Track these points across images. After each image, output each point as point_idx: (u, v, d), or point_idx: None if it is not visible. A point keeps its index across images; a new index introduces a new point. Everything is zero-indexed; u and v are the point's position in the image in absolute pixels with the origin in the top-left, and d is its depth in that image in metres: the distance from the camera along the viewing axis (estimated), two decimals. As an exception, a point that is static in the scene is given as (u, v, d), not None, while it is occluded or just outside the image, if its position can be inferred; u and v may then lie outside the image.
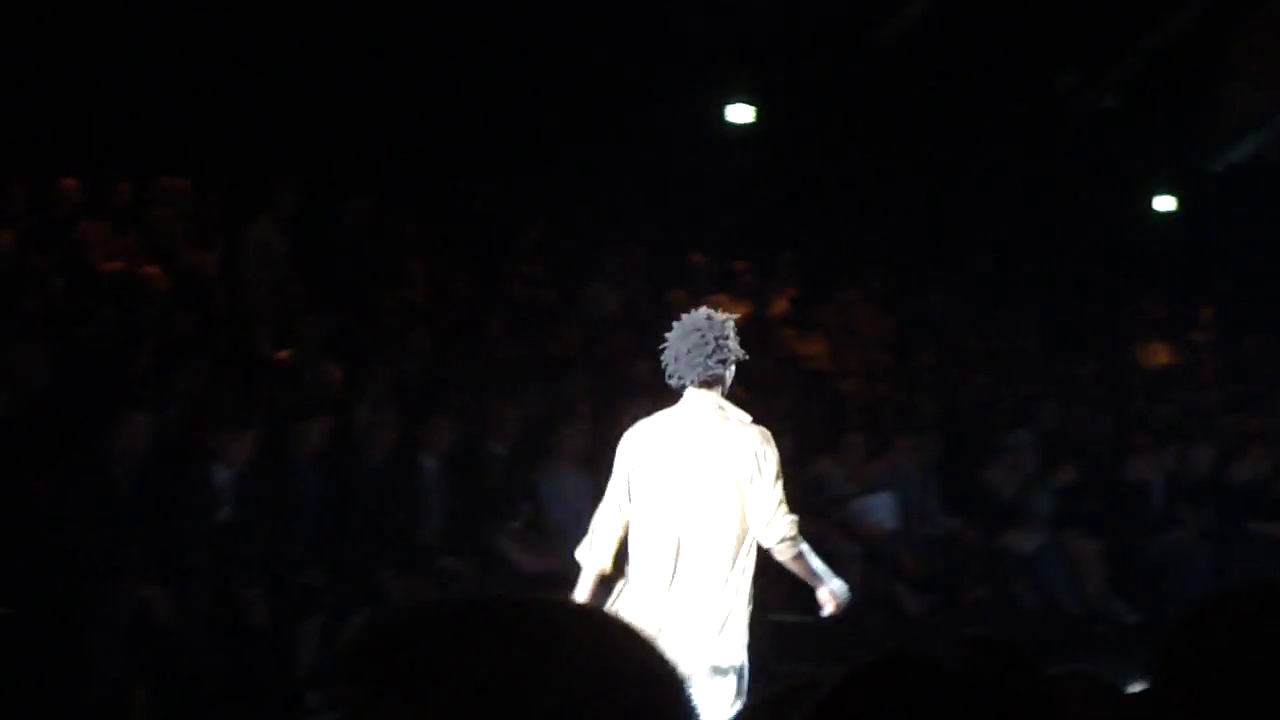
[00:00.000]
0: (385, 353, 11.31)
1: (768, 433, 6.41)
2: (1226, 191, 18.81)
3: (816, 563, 6.68)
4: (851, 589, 11.80)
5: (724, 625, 6.34)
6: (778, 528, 6.39)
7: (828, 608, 6.88)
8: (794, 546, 6.50)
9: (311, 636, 9.20)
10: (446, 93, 13.51)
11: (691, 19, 14.58)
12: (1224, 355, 18.26)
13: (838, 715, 1.37)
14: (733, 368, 6.39)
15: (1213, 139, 18.88)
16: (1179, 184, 18.67)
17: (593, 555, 6.53)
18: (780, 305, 15.20)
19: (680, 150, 14.71)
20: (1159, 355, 17.81)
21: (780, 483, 6.35)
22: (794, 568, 6.63)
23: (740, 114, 15.28)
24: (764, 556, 6.53)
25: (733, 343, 6.37)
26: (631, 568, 6.42)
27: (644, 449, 6.36)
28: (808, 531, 11.84)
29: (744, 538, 6.34)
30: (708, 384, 6.34)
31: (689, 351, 6.31)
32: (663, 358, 6.38)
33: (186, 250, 11.82)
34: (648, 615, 6.17)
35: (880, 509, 12.30)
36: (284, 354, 10.98)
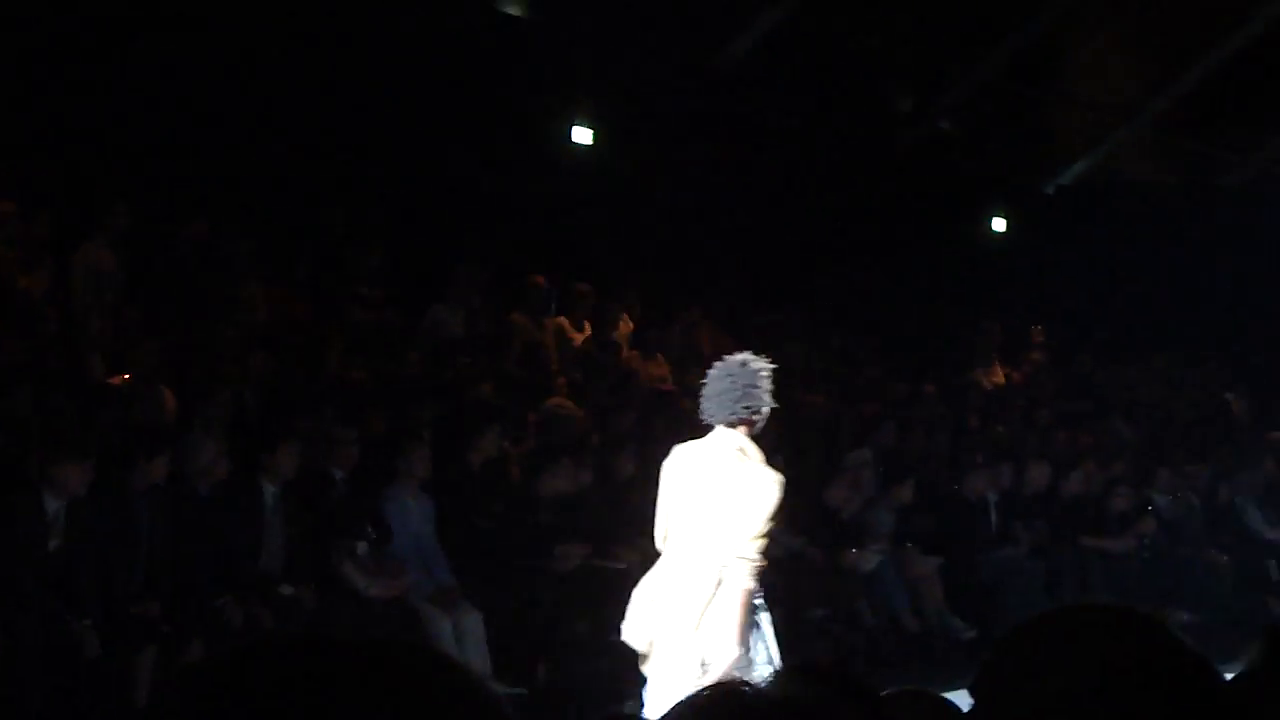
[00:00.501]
0: (223, 377, 11.13)
1: (780, 479, 6.96)
2: (1058, 213, 19.25)
3: (739, 614, 6.95)
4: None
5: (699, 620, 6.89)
6: (741, 555, 6.84)
7: (714, 661, 7.05)
8: (740, 579, 6.87)
9: (146, 668, 9.01)
10: (284, 113, 13.34)
11: (533, 41, 14.58)
12: (1056, 374, 18.66)
13: None
14: (764, 411, 6.94)
15: (1045, 162, 19.30)
16: (1012, 206, 19.07)
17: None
18: (622, 326, 15.23)
19: (522, 172, 14.70)
20: (995, 374, 18.15)
21: (768, 526, 6.86)
22: (722, 597, 6.92)
23: (581, 136, 15.31)
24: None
25: (764, 390, 6.92)
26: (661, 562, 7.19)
27: (677, 470, 7.11)
28: (647, 552, 11.89)
29: (725, 550, 6.89)
30: (732, 425, 6.91)
31: (720, 394, 6.91)
32: (700, 395, 7.04)
33: (15, 273, 11.53)
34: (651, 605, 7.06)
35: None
36: (118, 379, 10.76)
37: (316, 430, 10.80)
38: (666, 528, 7.18)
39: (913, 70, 17.81)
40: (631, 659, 11.25)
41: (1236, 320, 19.07)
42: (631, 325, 15.45)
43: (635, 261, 15.69)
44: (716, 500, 6.89)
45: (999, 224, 19.05)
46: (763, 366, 6.96)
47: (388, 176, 14.09)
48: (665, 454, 12.80)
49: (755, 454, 6.98)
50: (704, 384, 7.05)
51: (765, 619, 7.19)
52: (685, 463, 7.08)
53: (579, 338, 14.83)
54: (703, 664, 6.84)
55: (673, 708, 1.46)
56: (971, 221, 18.85)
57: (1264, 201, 19.50)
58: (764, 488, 6.88)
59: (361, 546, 10.40)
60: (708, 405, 6.99)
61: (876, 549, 13.35)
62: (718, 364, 7.04)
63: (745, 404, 6.90)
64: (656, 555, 11.76)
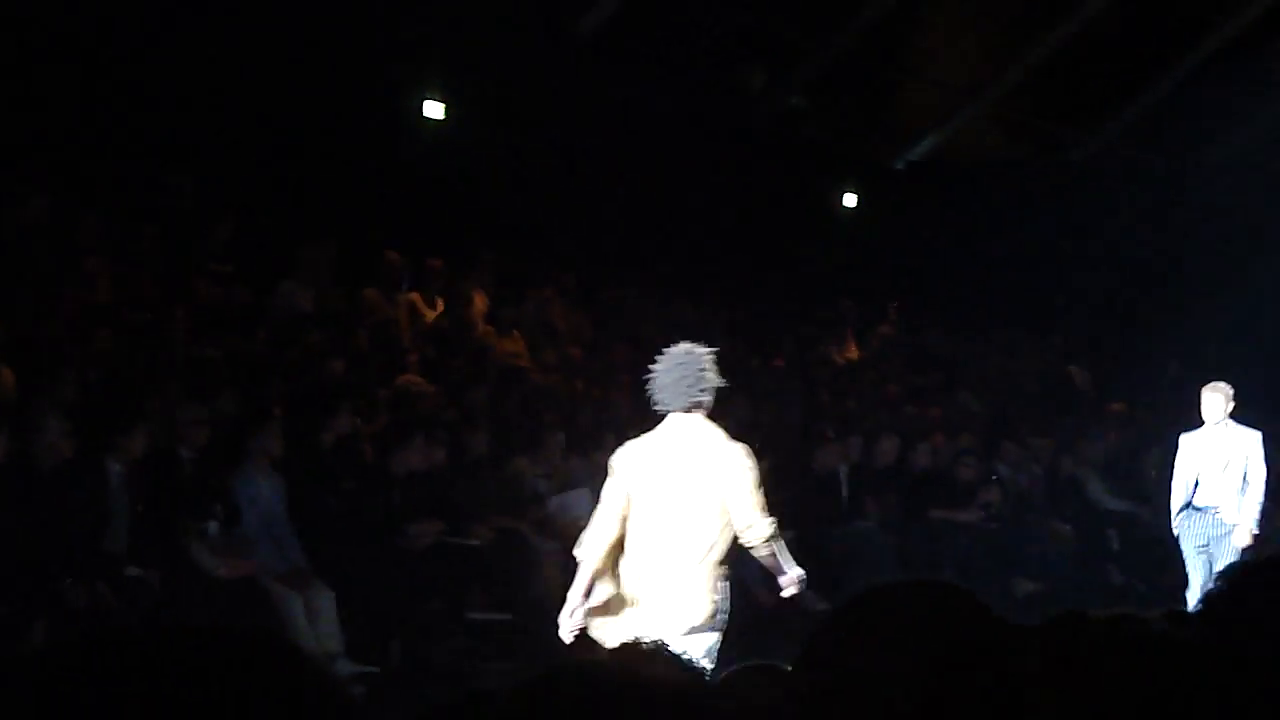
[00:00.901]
0: (66, 356, 10.90)
1: (748, 448, 7.28)
2: (908, 188, 19.48)
3: (785, 555, 7.47)
4: (550, 587, 11.91)
5: (689, 618, 7.17)
6: (759, 530, 7.20)
7: (788, 590, 7.73)
8: (770, 545, 7.30)
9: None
10: (127, 83, 13.08)
11: (385, 14, 14.43)
12: (906, 348, 18.91)
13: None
14: (712, 394, 7.29)
15: (895, 138, 19.51)
16: (863, 181, 19.26)
17: (588, 553, 7.37)
18: (476, 302, 15.16)
19: (373, 146, 14.55)
20: (848, 349, 18.35)
21: (760, 491, 7.20)
22: (767, 562, 7.43)
23: (433, 110, 15.19)
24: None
25: (711, 373, 7.28)
26: (623, 567, 7.32)
27: (637, 465, 7.29)
28: (506, 529, 11.89)
29: (715, 543, 7.20)
30: (688, 410, 7.24)
31: (673, 383, 7.25)
32: (649, 387, 7.36)
33: None
34: (630, 606, 7.28)
35: (579, 506, 12.36)
36: (-44, 357, 10.49)
37: (165, 409, 10.63)
38: (605, 533, 7.34)
39: (765, 46, 17.90)
40: (486, 635, 11.26)
41: (1080, 294, 19.46)
42: (486, 302, 15.38)
43: (488, 237, 15.62)
44: (699, 483, 7.17)
45: (850, 199, 19.23)
46: (705, 351, 7.34)
47: (235, 150, 13.86)
48: (518, 430, 12.80)
49: (717, 432, 7.30)
50: (652, 376, 7.33)
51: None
52: (650, 459, 7.29)
53: (431, 314, 14.74)
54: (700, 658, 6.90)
55: (513, 687, 1.46)
56: (823, 197, 19.01)
57: (1108, 177, 19.91)
58: (742, 460, 7.21)
59: (211, 527, 10.26)
60: (663, 395, 7.29)
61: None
62: (663, 356, 7.35)
63: (699, 388, 7.26)
64: (511, 532, 11.77)
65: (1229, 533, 12.09)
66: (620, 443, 12.90)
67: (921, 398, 17.19)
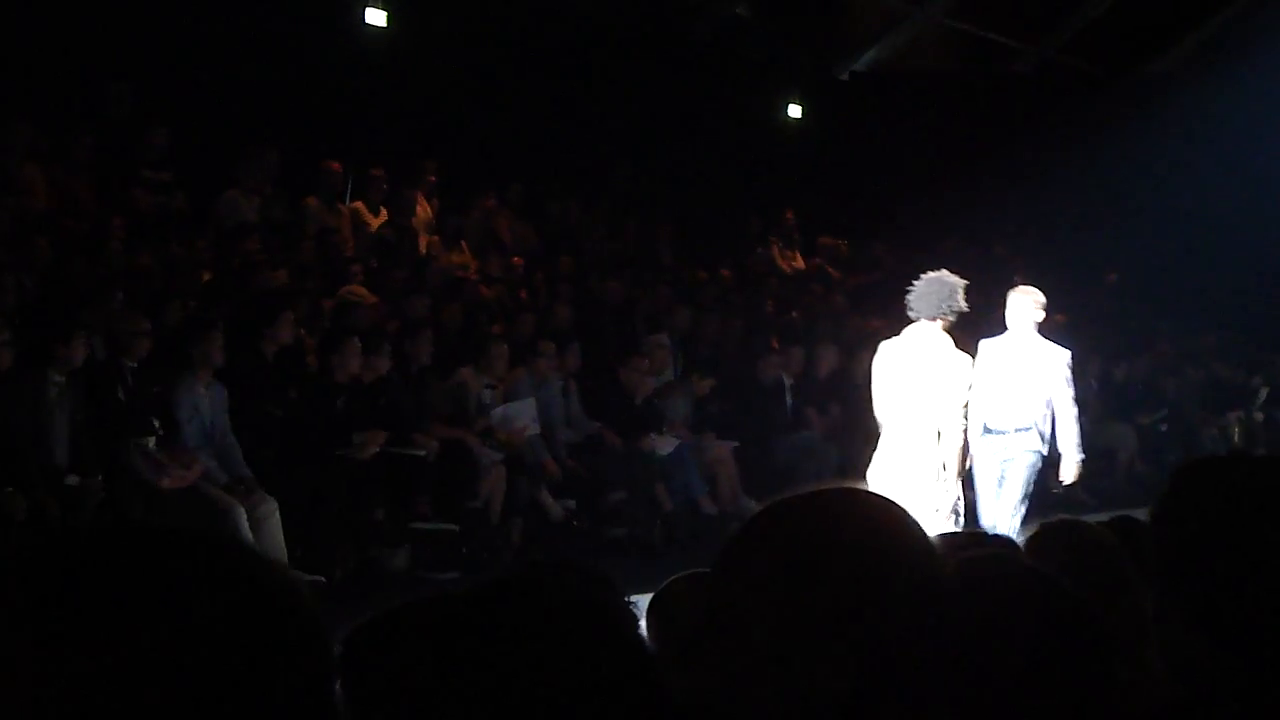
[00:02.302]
0: (3, 265, 10.76)
1: (969, 360, 9.26)
2: (852, 99, 19.45)
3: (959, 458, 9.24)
4: (494, 496, 11.94)
5: (937, 474, 9.06)
6: (956, 421, 9.18)
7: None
8: (957, 434, 9.19)
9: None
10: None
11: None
12: (850, 259, 18.95)
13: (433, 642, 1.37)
14: (954, 315, 9.11)
15: (839, 49, 19.45)
16: (807, 92, 19.21)
17: (886, 415, 9.30)
18: (419, 212, 15.07)
19: (314, 54, 14.38)
20: (793, 260, 18.37)
21: (968, 394, 9.22)
22: (949, 457, 9.13)
23: (375, 18, 15.02)
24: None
25: (960, 295, 9.10)
26: (885, 434, 9.31)
27: (893, 357, 9.25)
28: (450, 439, 11.88)
29: (943, 416, 9.10)
30: (933, 319, 9.08)
31: (927, 296, 9.10)
32: (907, 297, 9.19)
33: None
34: (896, 467, 9.07)
35: (522, 415, 12.37)
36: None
37: (105, 319, 10.52)
38: (885, 405, 9.28)
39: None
40: (431, 544, 11.27)
41: (1024, 204, 19.53)
42: (430, 211, 15.29)
43: (431, 148, 15.51)
44: (931, 377, 9.05)
45: (795, 110, 19.19)
46: (958, 280, 9.15)
47: (173, 56, 13.66)
48: (462, 341, 12.82)
49: (949, 342, 9.15)
50: (911, 288, 9.17)
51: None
52: (900, 351, 9.21)
53: (375, 223, 14.65)
54: (936, 508, 8.87)
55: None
56: (767, 108, 18.96)
57: (1050, 88, 19.94)
58: (964, 367, 9.17)
59: (151, 438, 10.20)
60: (918, 304, 9.12)
61: (674, 434, 13.49)
62: (925, 275, 9.22)
63: (947, 304, 9.04)
64: (453, 444, 11.81)
65: (1028, 461, 10.29)
66: (562, 352, 13.06)
67: (864, 309, 17.24)
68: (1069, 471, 10.43)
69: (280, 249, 13.08)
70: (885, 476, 9.01)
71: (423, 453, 11.54)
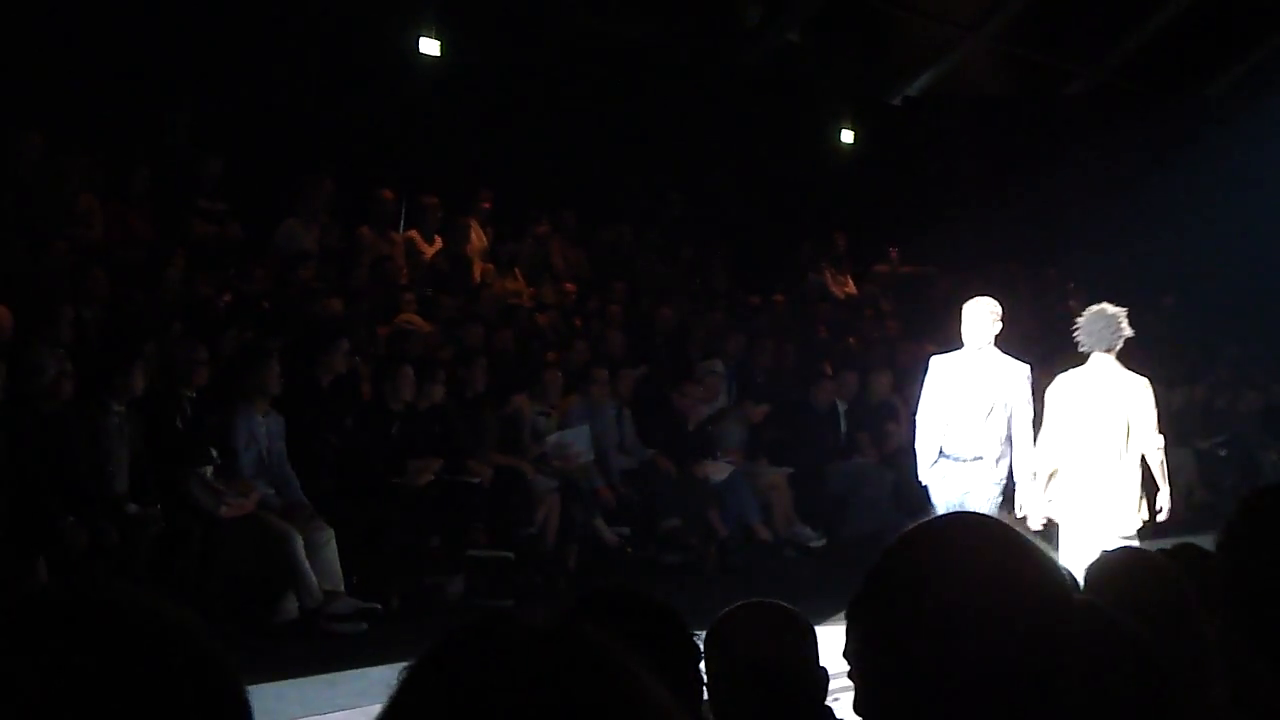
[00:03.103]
0: (62, 295, 10.85)
1: (1149, 382, 9.20)
2: (905, 124, 19.40)
3: (1164, 470, 9.17)
4: (549, 523, 11.94)
5: (1118, 511, 8.96)
6: (1156, 442, 9.11)
7: (1165, 510, 9.22)
8: (1160, 456, 9.13)
9: (-10, 591, 8.84)
10: (119, 19, 12.97)
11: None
12: (903, 284, 18.89)
13: (425, 680, 1.37)
14: (1122, 342, 9.11)
15: (892, 74, 19.42)
16: (860, 118, 19.18)
17: (1046, 457, 9.25)
18: (473, 240, 15.13)
19: (368, 83, 14.47)
20: (846, 285, 18.33)
21: (1155, 414, 9.15)
22: (1157, 471, 9.10)
23: (429, 47, 15.10)
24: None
25: (1125, 326, 9.12)
26: (1061, 473, 9.18)
27: (1072, 391, 9.17)
28: (505, 466, 11.90)
29: (1127, 449, 9.06)
30: (1107, 350, 9.11)
31: (1097, 330, 9.12)
32: (1076, 333, 9.18)
33: None
34: (1069, 502, 9.07)
35: (576, 442, 12.38)
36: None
37: (163, 349, 10.60)
38: (1053, 437, 9.19)
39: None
40: (486, 572, 11.28)
41: (1077, 229, 19.42)
42: (484, 239, 15.34)
43: (485, 175, 15.56)
44: (1118, 406, 9.07)
45: (847, 136, 19.16)
46: (1119, 310, 9.16)
47: (230, 85, 13.77)
48: (516, 368, 12.84)
49: (1123, 369, 9.18)
50: (1078, 324, 9.20)
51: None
52: (1080, 385, 9.18)
53: (430, 250, 14.71)
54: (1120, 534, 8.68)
55: (438, 641, 1.46)
56: (820, 133, 18.94)
57: (1106, 110, 19.84)
58: (1147, 390, 9.17)
59: (209, 466, 10.26)
60: (1089, 340, 9.12)
61: (728, 460, 13.47)
62: (1088, 310, 9.25)
63: (1115, 335, 9.08)
64: (508, 471, 11.81)
65: (989, 495, 9.49)
66: (615, 379, 13.07)
67: (919, 335, 17.18)
68: (1023, 504, 9.40)
69: (335, 277, 13.15)
70: (1078, 507, 8.98)
71: (477, 480, 11.56)
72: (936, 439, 9.62)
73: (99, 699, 1.22)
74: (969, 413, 9.55)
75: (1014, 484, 9.53)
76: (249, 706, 1.31)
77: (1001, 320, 9.71)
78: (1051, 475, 9.19)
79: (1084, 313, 9.30)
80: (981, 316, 9.69)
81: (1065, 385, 9.23)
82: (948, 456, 9.60)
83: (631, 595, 2.81)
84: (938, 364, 9.80)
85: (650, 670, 1.38)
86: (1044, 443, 9.24)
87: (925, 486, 9.75)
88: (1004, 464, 9.57)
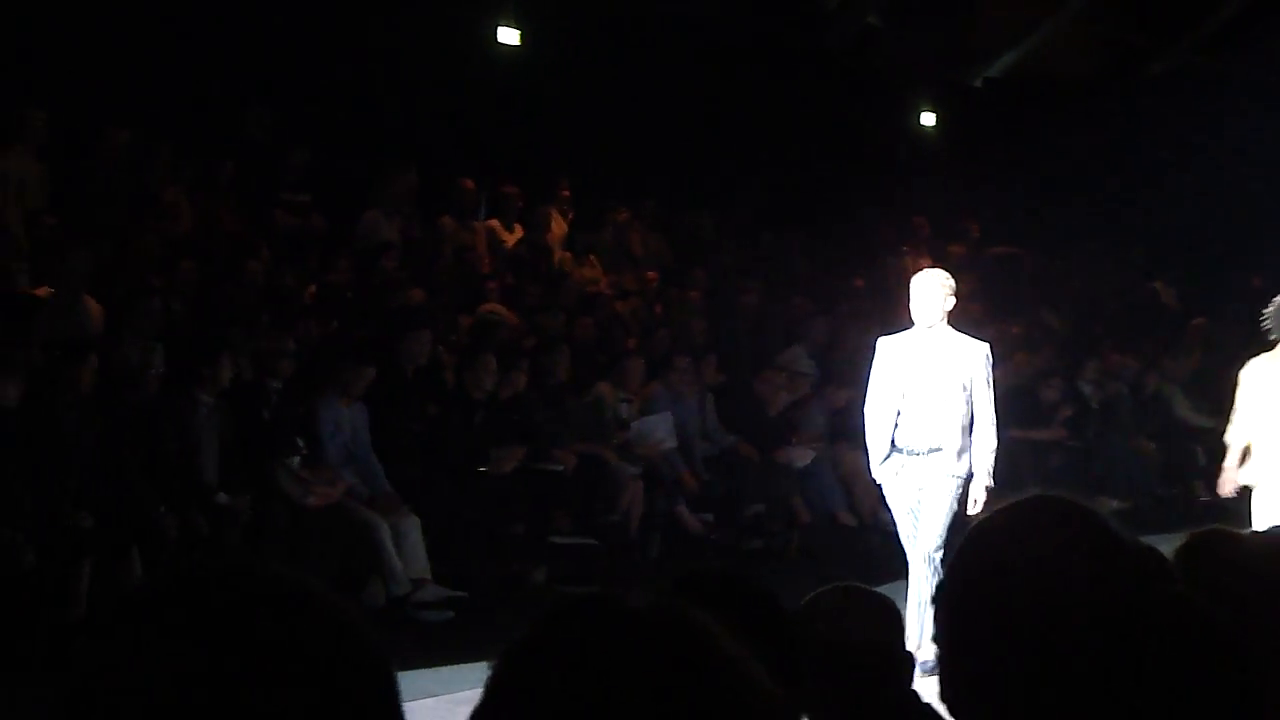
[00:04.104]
0: (149, 287, 11.00)
1: None
2: (986, 106, 19.26)
3: None
4: (632, 510, 11.96)
5: None
6: None
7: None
8: None
9: (84, 579, 8.98)
10: (203, 13, 13.12)
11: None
12: (985, 266, 18.76)
13: (527, 658, 1.38)
14: None
15: (972, 55, 19.27)
16: (941, 100, 19.07)
17: (1241, 437, 9.39)
18: (555, 227, 15.18)
19: (448, 73, 14.54)
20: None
21: None
22: None
23: (508, 36, 15.15)
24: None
25: None
26: (1255, 450, 9.24)
27: (1263, 373, 9.21)
28: (588, 454, 11.92)
29: None
30: None
31: None
32: (1264, 320, 9.02)
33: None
34: (1264, 478, 9.08)
35: (658, 429, 12.40)
36: (43, 290, 10.62)
37: (250, 340, 10.72)
38: (1247, 416, 9.27)
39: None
40: (570, 558, 11.33)
41: (1163, 208, 19.21)
42: (565, 226, 15.39)
43: (564, 164, 15.60)
44: None
45: (928, 118, 19.05)
46: None
47: (312, 79, 13.89)
48: (598, 355, 12.87)
49: None
50: (1267, 313, 8.98)
51: None
52: (1271, 367, 9.17)
53: (511, 239, 14.77)
54: None
55: (537, 619, 1.47)
56: (900, 116, 18.84)
57: (1188, 90, 19.59)
58: None
59: (297, 456, 10.37)
60: (1276, 326, 8.95)
61: (811, 446, 13.44)
62: (1276, 299, 8.96)
63: None
64: (591, 458, 11.83)
65: (948, 489, 8.52)
66: (697, 365, 13.08)
67: (1002, 316, 17.07)
68: (976, 498, 8.54)
69: (417, 267, 13.24)
70: (1272, 482, 9.04)
71: (561, 468, 11.61)
72: (887, 430, 8.61)
73: (265, 674, 1.23)
74: (923, 400, 8.53)
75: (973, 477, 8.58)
76: (397, 687, 1.33)
77: (956, 295, 8.71)
78: (1245, 451, 9.35)
79: (1273, 301, 9.12)
80: (932, 291, 8.63)
81: (1257, 368, 9.42)
82: (901, 450, 8.58)
83: (729, 577, 2.82)
84: (885, 346, 8.79)
85: (749, 651, 1.39)
86: (1238, 421, 9.46)
87: (879, 485, 8.84)
88: (965, 457, 8.56)
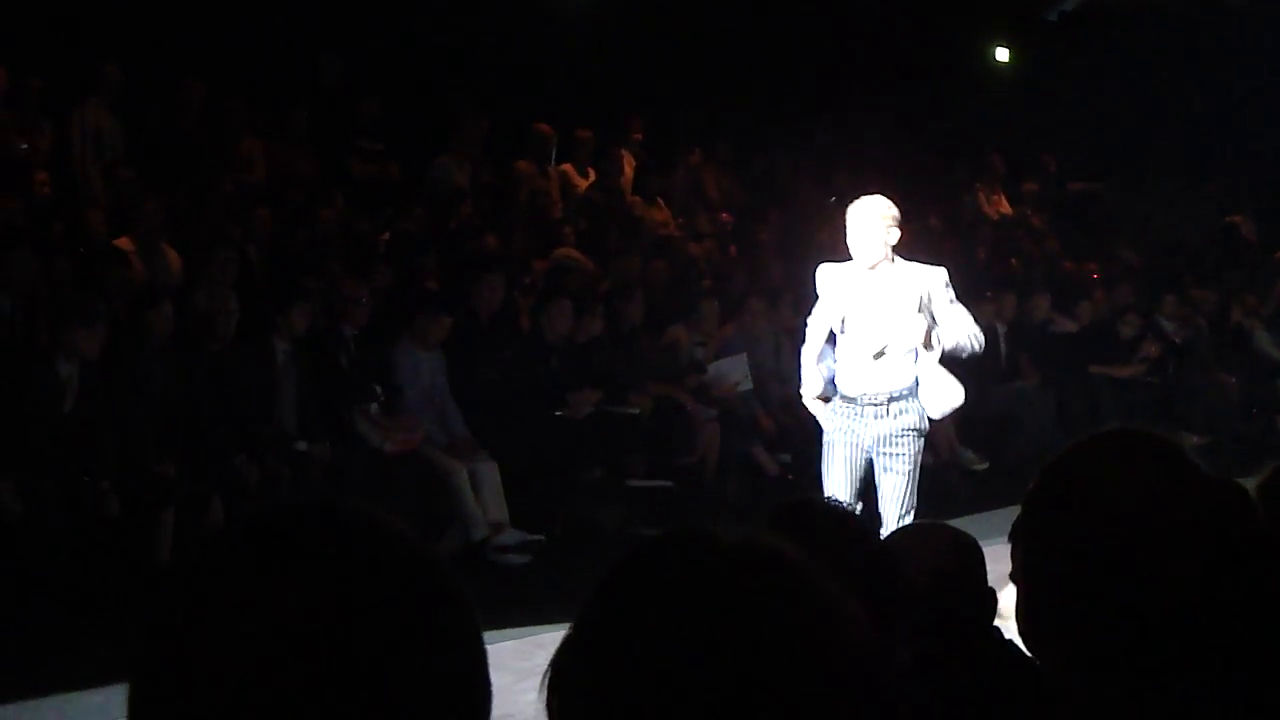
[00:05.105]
0: (226, 236, 11.09)
1: None
2: (1061, 40, 19.02)
3: None
4: (709, 453, 11.93)
5: None
6: None
7: None
8: None
9: (167, 527, 9.10)
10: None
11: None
12: (1063, 202, 18.58)
13: (619, 593, 1.37)
14: None
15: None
16: (1015, 35, 18.86)
17: None
18: (626, 171, 15.14)
19: (519, 18, 14.51)
20: (1000, 205, 18.07)
21: None
22: None
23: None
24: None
25: None
26: None
27: None
28: (664, 397, 11.91)
29: None
30: None
31: None
32: None
33: (12, 137, 11.44)
34: None
35: (734, 371, 12.38)
36: (121, 241, 10.73)
37: (325, 287, 10.78)
38: None
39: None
40: (646, 501, 11.36)
41: (1242, 142, 18.93)
42: (634, 170, 15.35)
43: (638, 107, 15.55)
44: None
45: (1002, 54, 18.85)
46: None
47: (382, 26, 13.91)
48: (673, 298, 12.83)
49: None
50: None
51: None
52: None
53: (583, 184, 14.75)
54: None
55: (627, 553, 1.45)
56: (975, 52, 18.65)
57: (1267, 21, 19.26)
58: None
59: (374, 402, 10.43)
60: None
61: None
62: None
63: None
64: (667, 401, 11.83)
65: (906, 447, 7.37)
66: (773, 307, 13.02)
67: (1080, 253, 16.91)
68: (934, 408, 7.45)
69: (491, 213, 13.26)
70: None
71: (636, 411, 11.62)
72: (812, 356, 7.59)
73: (348, 611, 1.23)
74: (861, 346, 7.36)
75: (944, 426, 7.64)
76: (479, 625, 1.33)
77: (900, 225, 7.47)
78: None
79: None
80: (870, 223, 7.39)
81: None
82: (848, 399, 7.42)
83: (824, 511, 2.81)
84: (826, 275, 7.62)
85: (843, 585, 1.38)
86: None
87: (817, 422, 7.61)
88: (914, 406, 7.37)
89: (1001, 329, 14.53)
